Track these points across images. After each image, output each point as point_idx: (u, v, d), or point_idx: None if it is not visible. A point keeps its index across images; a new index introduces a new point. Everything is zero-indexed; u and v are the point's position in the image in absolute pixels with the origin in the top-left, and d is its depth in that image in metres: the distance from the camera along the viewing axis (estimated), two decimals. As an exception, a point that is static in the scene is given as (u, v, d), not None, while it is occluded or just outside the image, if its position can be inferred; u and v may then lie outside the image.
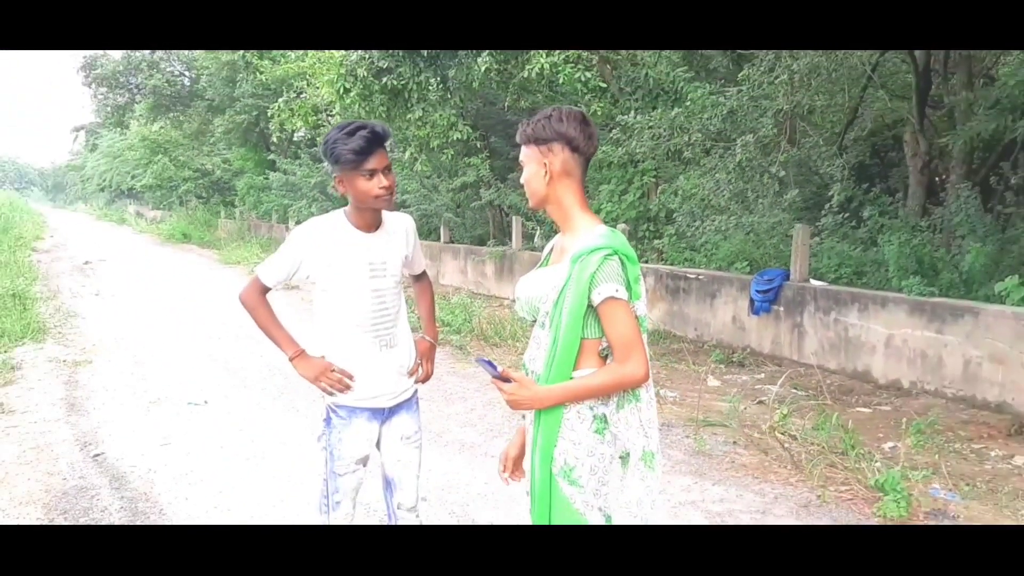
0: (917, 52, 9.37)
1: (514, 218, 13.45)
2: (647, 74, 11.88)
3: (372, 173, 2.73)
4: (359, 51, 12.66)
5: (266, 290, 2.96)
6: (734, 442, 5.71)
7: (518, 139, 2.39)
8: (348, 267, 2.85)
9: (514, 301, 2.48)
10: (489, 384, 7.41)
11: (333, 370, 2.87)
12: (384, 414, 2.99)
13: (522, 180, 2.41)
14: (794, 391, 7.04)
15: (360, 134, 2.69)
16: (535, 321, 2.39)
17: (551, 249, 2.50)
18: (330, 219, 2.90)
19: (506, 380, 2.28)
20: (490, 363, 2.29)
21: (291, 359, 2.91)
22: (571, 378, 2.24)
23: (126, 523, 4.34)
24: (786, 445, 5.38)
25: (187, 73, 30.14)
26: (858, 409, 6.64)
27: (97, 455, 5.46)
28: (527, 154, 2.36)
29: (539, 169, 2.34)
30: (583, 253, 2.22)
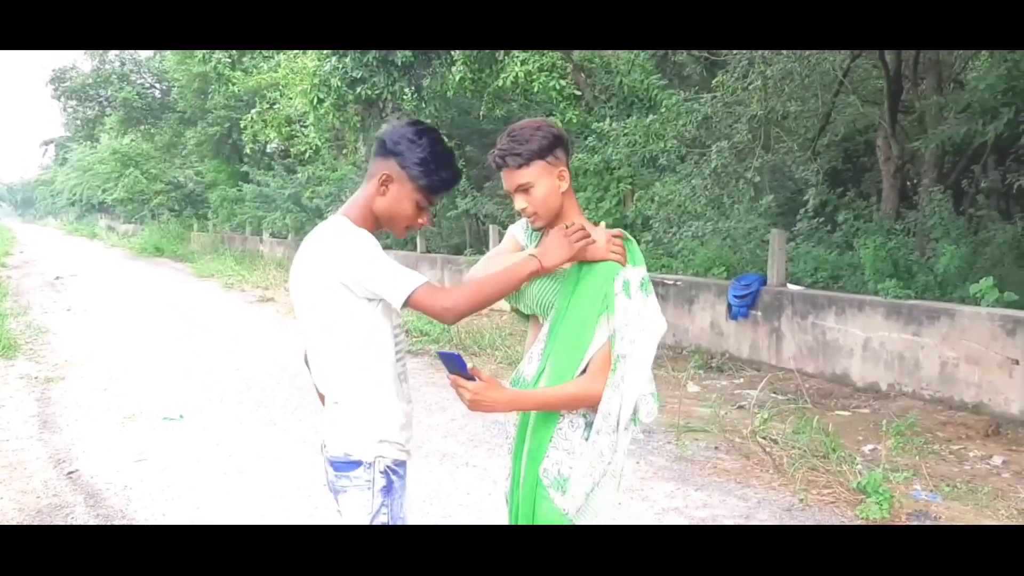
0: (888, 57, 9.48)
1: (491, 227, 13.44)
2: (621, 82, 11.95)
3: (425, 209, 2.35)
4: (332, 61, 12.62)
5: (431, 285, 2.17)
6: (716, 447, 5.71)
7: (515, 163, 2.22)
8: None
9: (511, 296, 2.36)
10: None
11: (575, 227, 2.19)
12: None
13: (530, 203, 2.25)
14: (773, 395, 7.06)
15: (452, 166, 2.33)
16: (527, 316, 2.38)
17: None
18: (353, 226, 2.25)
19: (470, 379, 2.18)
20: (457, 356, 2.15)
21: (542, 266, 2.17)
22: (572, 376, 2.21)
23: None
24: (767, 449, 5.39)
25: (158, 85, 29.89)
26: (837, 412, 6.66)
27: (71, 472, 5.36)
28: (535, 172, 2.22)
29: (554, 182, 2.25)
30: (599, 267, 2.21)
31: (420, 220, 2.35)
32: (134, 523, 4.51)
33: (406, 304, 2.14)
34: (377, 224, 2.33)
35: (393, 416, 2.27)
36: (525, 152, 2.21)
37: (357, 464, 2.23)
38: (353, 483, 2.24)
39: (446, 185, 2.33)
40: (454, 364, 2.16)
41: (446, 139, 2.37)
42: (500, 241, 2.50)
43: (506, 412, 2.26)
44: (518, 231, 2.48)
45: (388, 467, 2.26)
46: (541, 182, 2.23)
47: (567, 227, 2.17)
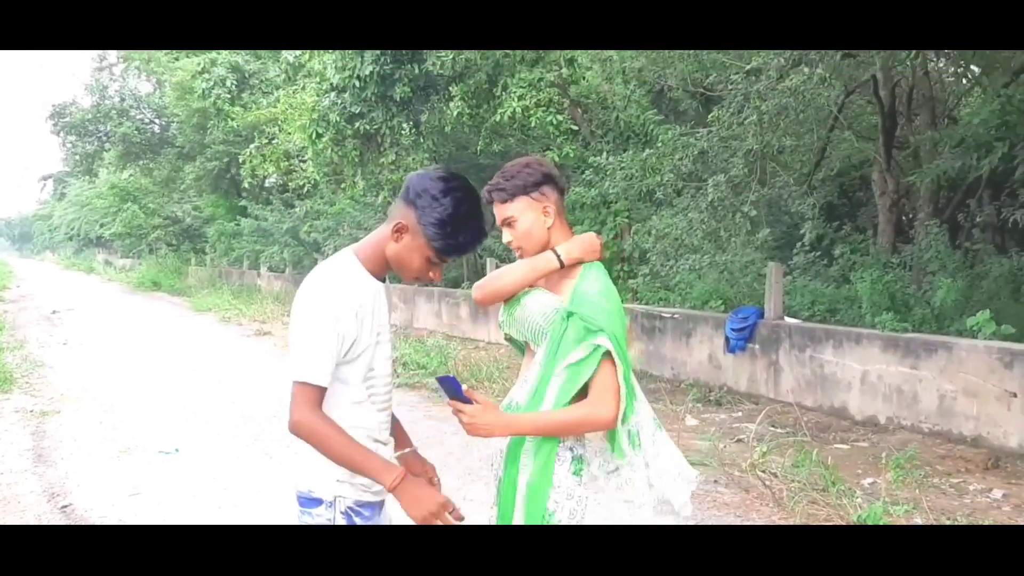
0: (882, 92, 9.58)
1: (488, 260, 13.46)
2: (617, 117, 12.04)
3: (437, 265, 2.25)
4: (331, 97, 12.72)
5: (323, 395, 2.12)
6: (715, 480, 5.68)
7: (500, 198, 2.30)
8: (379, 327, 2.24)
9: (505, 322, 2.42)
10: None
11: (451, 506, 2.17)
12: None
13: (514, 236, 2.31)
14: (772, 429, 7.03)
15: (473, 230, 2.20)
16: (520, 346, 2.39)
17: None
18: (350, 268, 2.21)
19: (467, 402, 2.19)
20: (453, 380, 2.17)
21: (392, 488, 2.11)
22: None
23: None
24: (767, 483, 5.36)
25: (157, 121, 30.02)
26: (836, 446, 6.63)
27: (65, 506, 5.31)
28: (519, 207, 2.30)
29: (539, 216, 2.30)
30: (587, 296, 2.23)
31: (430, 275, 2.26)
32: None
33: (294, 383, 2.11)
34: (387, 266, 2.26)
35: None
36: (509, 187, 2.29)
37: (319, 502, 2.21)
38: (314, 520, 2.22)
39: (462, 249, 2.22)
40: (451, 388, 2.17)
41: (475, 193, 2.22)
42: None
43: (504, 436, 2.26)
44: None
45: (349, 508, 2.21)
46: (525, 216, 2.30)
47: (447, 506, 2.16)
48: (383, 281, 2.29)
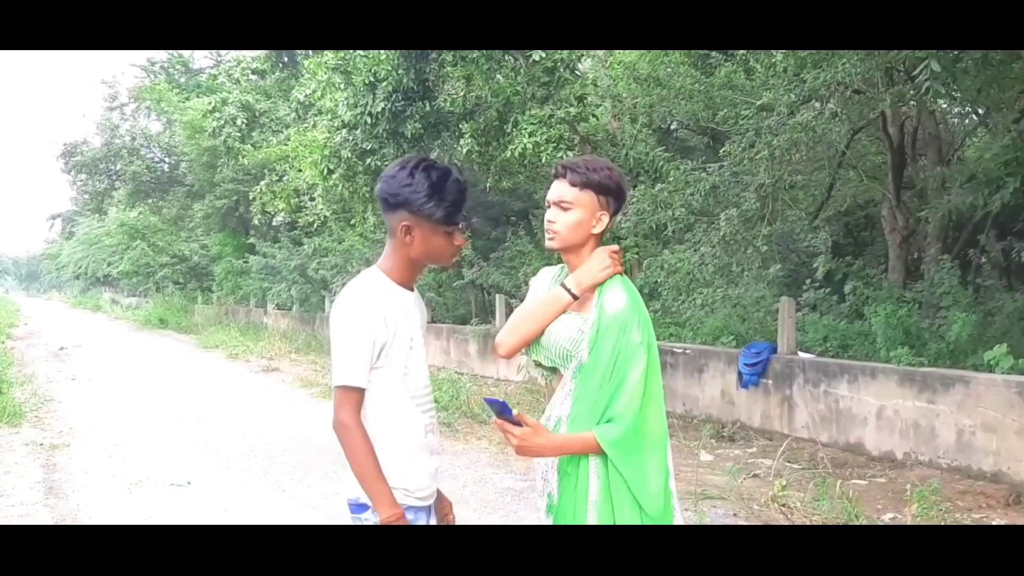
0: (891, 128, 9.63)
1: (497, 297, 13.46)
2: (627, 154, 12.10)
3: (454, 231, 2.36)
4: (343, 133, 12.81)
5: (362, 396, 2.26)
6: (734, 515, 5.62)
7: (572, 179, 2.27)
8: (411, 332, 2.36)
9: (531, 349, 2.39)
10: (479, 462, 7.30)
11: None
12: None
13: (558, 220, 2.29)
14: (788, 464, 6.96)
15: (454, 185, 2.32)
16: (551, 369, 2.38)
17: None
18: (376, 282, 2.35)
19: (515, 423, 2.19)
20: (503, 403, 2.18)
21: (385, 520, 2.21)
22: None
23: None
24: (788, 516, 5.30)
25: (167, 159, 30.30)
26: (853, 481, 6.55)
27: (77, 538, 5.26)
28: (582, 198, 2.27)
29: (590, 219, 2.29)
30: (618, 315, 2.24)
31: (456, 243, 2.38)
32: None
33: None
34: (417, 268, 2.43)
35: (394, 463, 2.28)
36: (587, 176, 2.28)
37: (365, 507, 2.29)
38: (364, 523, 2.33)
39: (459, 205, 2.34)
40: (500, 409, 2.19)
41: (433, 159, 2.37)
42: (507, 311, 2.52)
43: (552, 456, 2.27)
44: (541, 284, 2.49)
45: None
46: (580, 209, 2.29)
47: None
48: (412, 291, 2.43)
